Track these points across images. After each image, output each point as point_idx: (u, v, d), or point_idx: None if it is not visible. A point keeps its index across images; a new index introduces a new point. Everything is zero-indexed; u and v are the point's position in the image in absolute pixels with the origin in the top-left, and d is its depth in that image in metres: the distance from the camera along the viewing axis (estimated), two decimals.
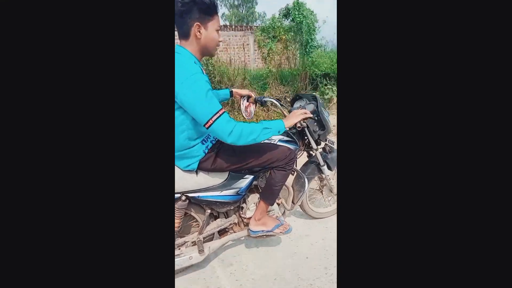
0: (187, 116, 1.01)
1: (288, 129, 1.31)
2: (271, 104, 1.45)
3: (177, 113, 1.00)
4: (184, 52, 1.01)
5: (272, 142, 1.27)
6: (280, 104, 1.42)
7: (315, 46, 4.57)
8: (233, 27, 5.94)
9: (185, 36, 1.00)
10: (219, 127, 0.96)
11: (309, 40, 4.42)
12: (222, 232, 1.42)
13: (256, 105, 1.47)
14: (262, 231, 1.32)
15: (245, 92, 1.44)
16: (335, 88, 4.29)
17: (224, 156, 1.14)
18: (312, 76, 4.66)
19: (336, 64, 4.74)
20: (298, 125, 1.14)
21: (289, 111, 1.39)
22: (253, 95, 1.43)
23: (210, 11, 0.97)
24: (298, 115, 1.11)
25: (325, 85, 4.50)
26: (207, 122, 0.95)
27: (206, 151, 1.13)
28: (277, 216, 1.46)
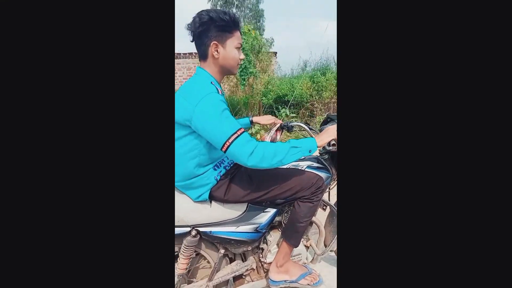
0: (200, 141, 0.89)
1: (319, 153, 1.13)
2: (300, 129, 1.30)
3: (188, 138, 0.89)
4: (202, 73, 0.94)
5: (299, 168, 1.08)
6: (309, 128, 1.26)
7: (251, 73, 4.50)
8: (181, 55, 6.18)
9: (203, 57, 0.94)
10: (238, 148, 0.82)
11: (247, 66, 4.37)
12: (238, 278, 1.18)
13: (282, 132, 1.33)
14: (285, 281, 1.06)
15: (267, 120, 1.32)
16: (288, 111, 4.16)
17: (240, 184, 0.98)
18: (264, 103, 4.71)
19: (296, 90, 4.79)
20: (333, 142, 0.95)
21: None
22: (279, 121, 1.30)
23: (229, 28, 0.90)
24: (333, 132, 0.93)
25: (277, 110, 4.42)
26: (224, 145, 0.82)
27: (218, 177, 0.98)
28: (304, 263, 1.20)
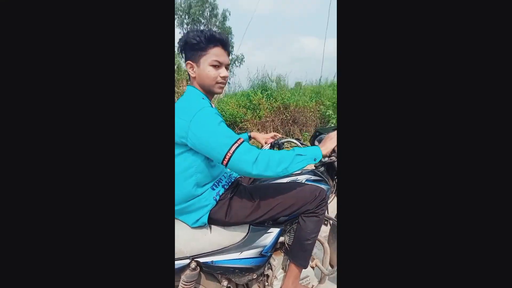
0: (197, 157, 0.85)
1: (314, 166, 1.11)
2: (290, 145, 1.29)
3: (183, 156, 0.84)
4: (192, 90, 0.92)
5: (298, 182, 1.05)
6: (301, 143, 1.26)
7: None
8: None
9: (188, 77, 0.94)
10: (240, 158, 0.78)
11: None
12: None
13: (273, 149, 1.32)
14: None
15: (265, 137, 1.31)
16: None
17: (241, 203, 0.91)
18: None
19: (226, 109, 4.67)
20: (332, 153, 0.93)
21: None
22: (277, 136, 1.30)
23: (202, 46, 0.88)
24: (334, 139, 0.91)
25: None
26: (224, 157, 0.78)
27: (218, 198, 0.91)
28: (313, 286, 1.12)
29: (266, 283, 1.05)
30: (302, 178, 1.09)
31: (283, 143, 1.32)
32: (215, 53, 0.89)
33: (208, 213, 0.89)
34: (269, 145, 1.30)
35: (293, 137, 1.34)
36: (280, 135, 1.35)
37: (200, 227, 0.92)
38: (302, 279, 1.09)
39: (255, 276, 1.00)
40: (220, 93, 1.00)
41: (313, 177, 1.12)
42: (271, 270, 1.05)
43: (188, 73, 0.93)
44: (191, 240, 0.89)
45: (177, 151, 0.84)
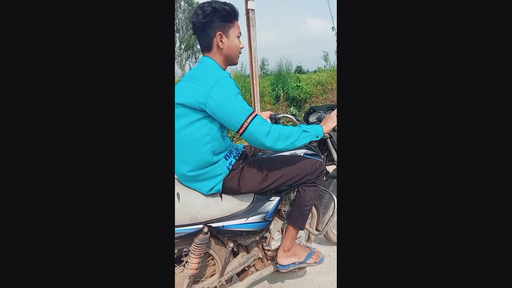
0: (214, 125, 0.88)
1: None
2: (287, 120, 1.37)
3: (202, 122, 0.87)
4: (210, 61, 0.92)
5: (297, 155, 1.15)
6: (296, 119, 1.35)
7: None
8: None
9: (208, 48, 0.93)
10: (255, 129, 0.84)
11: None
12: (241, 273, 1.19)
13: None
14: (294, 263, 1.13)
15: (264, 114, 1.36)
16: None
17: (251, 173, 0.99)
18: None
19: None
20: (332, 131, 1.05)
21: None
22: (271, 113, 1.36)
23: (230, 18, 0.92)
24: (334, 119, 1.03)
25: None
26: (241, 126, 0.84)
27: (230, 167, 0.97)
28: (301, 242, 1.29)
29: (265, 244, 1.17)
30: (300, 152, 1.20)
31: (279, 118, 1.40)
32: (238, 26, 0.92)
33: (222, 182, 0.95)
34: (268, 119, 1.36)
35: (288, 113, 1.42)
36: (272, 113, 1.42)
37: (213, 196, 0.98)
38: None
39: (258, 238, 1.12)
40: (237, 64, 1.02)
41: (309, 152, 1.23)
42: (269, 233, 1.18)
43: (206, 43, 0.91)
44: (205, 208, 0.95)
45: (195, 116, 0.87)
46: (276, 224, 1.20)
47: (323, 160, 1.32)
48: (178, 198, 0.93)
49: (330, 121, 1.02)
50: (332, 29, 4.63)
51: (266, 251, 1.18)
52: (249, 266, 1.19)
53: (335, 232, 1.51)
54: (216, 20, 0.88)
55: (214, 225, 0.97)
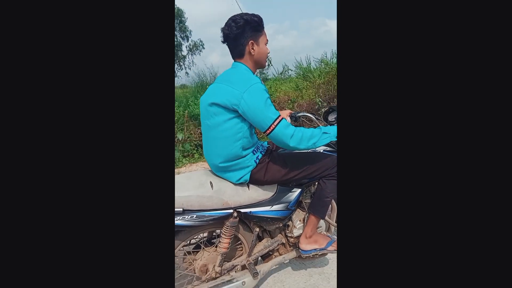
0: (245, 124, 1.02)
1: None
2: (307, 119, 1.46)
3: (234, 121, 1.01)
4: (242, 66, 1.06)
5: (318, 151, 1.25)
6: (316, 118, 1.44)
7: None
8: None
9: (240, 55, 1.07)
10: (281, 131, 0.97)
11: None
12: (266, 256, 1.32)
13: (290, 122, 1.48)
14: (315, 249, 1.23)
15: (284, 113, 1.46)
16: None
17: (276, 166, 1.11)
18: None
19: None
20: None
21: (328, 124, 1.40)
22: (291, 112, 1.46)
23: (259, 27, 1.05)
24: None
25: None
26: (269, 128, 0.96)
27: (257, 161, 1.11)
28: (322, 231, 1.38)
29: (287, 231, 1.29)
30: (320, 149, 1.29)
31: (299, 117, 1.50)
32: (265, 34, 1.07)
33: (250, 173, 1.08)
34: (288, 118, 1.46)
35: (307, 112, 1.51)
36: (292, 112, 1.51)
37: (241, 185, 1.12)
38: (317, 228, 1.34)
39: (281, 224, 1.24)
40: (265, 67, 1.16)
41: (328, 148, 1.32)
42: (291, 221, 1.29)
43: (239, 51, 1.05)
44: (235, 195, 1.09)
45: (228, 115, 1.01)
46: (298, 215, 1.31)
47: None
48: (212, 186, 1.08)
49: None
50: None
51: (288, 238, 1.30)
52: (273, 251, 1.32)
53: None
54: (248, 30, 1.02)
55: (242, 210, 1.11)
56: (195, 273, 1.16)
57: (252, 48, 1.04)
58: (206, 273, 1.16)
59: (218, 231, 1.28)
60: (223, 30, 1.05)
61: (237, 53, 1.06)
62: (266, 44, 1.09)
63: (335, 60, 4.91)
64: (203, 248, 1.18)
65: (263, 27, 1.07)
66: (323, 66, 4.98)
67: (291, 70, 5.56)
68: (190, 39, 16.75)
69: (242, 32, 1.02)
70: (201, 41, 17.22)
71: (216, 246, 1.18)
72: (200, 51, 17.34)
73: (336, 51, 4.95)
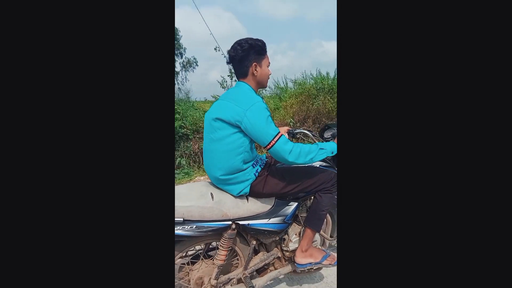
0: (246, 139, 1.06)
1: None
2: (304, 135, 1.52)
3: (236, 136, 1.05)
4: (245, 85, 1.13)
5: (314, 166, 1.30)
6: (312, 135, 1.51)
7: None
8: None
9: (243, 75, 1.14)
10: (280, 147, 1.02)
11: None
12: (262, 270, 1.32)
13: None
14: (310, 263, 1.24)
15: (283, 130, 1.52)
16: None
17: (275, 180, 1.15)
18: None
19: None
20: None
21: (324, 140, 1.47)
22: (289, 128, 1.52)
23: (263, 51, 1.13)
24: None
25: None
26: (269, 143, 1.01)
27: (257, 174, 1.14)
28: (317, 246, 1.40)
29: (283, 245, 1.31)
30: (317, 164, 1.35)
31: (297, 133, 1.56)
32: (267, 57, 1.14)
33: (249, 186, 1.12)
34: (287, 134, 1.52)
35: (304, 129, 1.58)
36: (291, 128, 1.58)
37: (241, 197, 1.14)
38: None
39: (277, 238, 1.26)
40: (266, 87, 1.22)
41: (324, 164, 1.38)
42: (287, 235, 1.31)
43: (243, 72, 1.13)
44: (234, 206, 1.12)
45: (231, 130, 1.06)
46: (294, 229, 1.34)
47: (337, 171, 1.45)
48: (212, 197, 1.10)
49: None
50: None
51: (284, 252, 1.31)
52: (268, 265, 1.32)
53: None
54: (252, 53, 1.10)
55: (241, 222, 1.13)
56: (189, 284, 1.15)
57: (255, 70, 1.11)
58: (201, 286, 1.15)
59: (214, 243, 1.29)
60: (229, 52, 1.13)
61: (241, 73, 1.13)
62: (268, 66, 1.17)
63: (311, 81, 5.04)
64: (202, 259, 1.18)
65: (266, 51, 1.15)
66: (296, 87, 5.08)
67: (270, 88, 5.68)
68: (184, 56, 17.19)
69: (246, 55, 1.09)
70: (195, 58, 17.65)
71: (213, 259, 1.18)
72: (194, 68, 17.69)
73: (326, 72, 5.17)
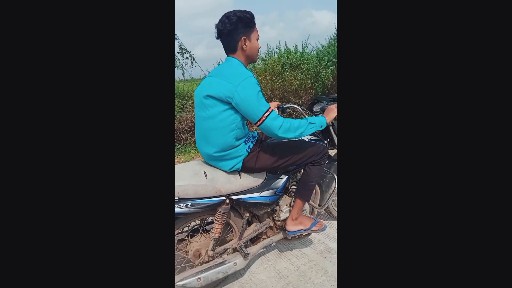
0: (238, 116, 1.06)
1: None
2: (293, 109, 1.53)
3: (228, 113, 1.04)
4: (235, 60, 1.09)
5: (304, 140, 1.34)
6: (302, 109, 1.52)
7: None
8: None
9: (233, 50, 1.09)
10: (270, 122, 1.03)
11: None
12: (255, 239, 1.40)
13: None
14: (300, 230, 1.33)
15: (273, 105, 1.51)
16: None
17: (266, 155, 1.18)
18: None
19: None
20: (333, 120, 1.23)
21: (314, 115, 1.49)
22: (279, 104, 1.52)
23: (251, 24, 1.08)
24: (335, 110, 1.21)
25: None
26: (259, 119, 1.01)
27: (249, 150, 1.16)
28: (306, 214, 1.49)
29: (275, 215, 1.38)
30: (306, 138, 1.38)
31: (286, 108, 1.56)
32: (257, 30, 1.09)
33: (242, 162, 1.14)
34: (277, 109, 1.52)
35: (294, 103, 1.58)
36: (280, 103, 1.58)
37: (233, 173, 1.17)
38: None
39: (269, 209, 1.32)
40: (256, 61, 1.18)
41: (313, 137, 1.41)
42: (279, 206, 1.38)
43: (232, 47, 1.08)
44: (227, 183, 1.14)
45: (222, 107, 1.04)
46: (285, 200, 1.40)
47: (326, 144, 1.50)
48: (205, 175, 1.12)
49: (332, 112, 1.20)
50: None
51: (276, 221, 1.39)
52: (261, 234, 1.40)
53: (335, 208, 1.72)
54: (241, 26, 1.05)
55: (234, 197, 1.17)
56: (187, 255, 1.21)
57: (245, 44, 1.07)
58: (199, 258, 1.22)
59: (209, 218, 1.34)
60: (217, 26, 1.07)
61: (230, 48, 1.09)
62: (257, 39, 1.12)
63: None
64: (201, 233, 1.23)
65: (255, 24, 1.10)
66: (259, 63, 4.73)
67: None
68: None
69: (235, 28, 1.04)
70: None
71: (206, 232, 1.23)
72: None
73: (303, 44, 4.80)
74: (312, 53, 4.82)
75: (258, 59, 4.87)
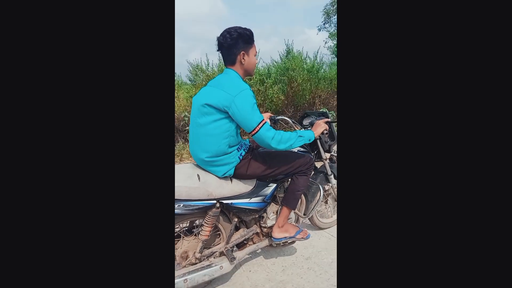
0: (232, 124, 1.13)
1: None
2: (285, 122, 1.63)
3: (223, 121, 1.11)
4: (233, 72, 1.18)
5: (294, 151, 1.42)
6: (292, 122, 1.61)
7: None
8: None
9: (231, 63, 1.18)
10: (263, 133, 1.11)
11: None
12: (241, 245, 1.44)
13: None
14: (285, 237, 1.39)
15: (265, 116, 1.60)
16: None
17: (257, 163, 1.25)
18: None
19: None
20: (326, 132, 1.34)
21: (303, 128, 1.58)
22: (271, 115, 1.61)
23: (250, 40, 1.18)
24: (322, 125, 1.32)
25: None
26: (254, 129, 1.09)
27: (241, 157, 1.23)
28: (291, 222, 1.55)
29: (262, 222, 1.43)
30: (295, 149, 1.47)
31: (278, 120, 1.66)
32: (255, 47, 1.19)
33: (234, 168, 1.20)
34: (269, 120, 1.61)
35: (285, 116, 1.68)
36: (272, 114, 1.68)
37: (225, 178, 1.23)
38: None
39: (257, 216, 1.38)
40: (253, 75, 1.28)
41: (302, 149, 1.51)
42: (266, 213, 1.44)
43: (231, 60, 1.17)
44: (219, 187, 1.20)
45: (219, 116, 1.12)
46: (272, 207, 1.47)
47: (313, 156, 1.59)
48: (199, 178, 1.17)
49: (319, 127, 1.31)
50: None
51: (262, 228, 1.44)
52: (247, 240, 1.45)
53: (318, 217, 1.79)
54: (241, 42, 1.14)
55: (224, 201, 1.22)
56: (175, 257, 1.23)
57: (243, 58, 1.16)
58: (186, 260, 1.25)
59: (197, 221, 1.37)
60: (218, 39, 1.15)
61: (229, 60, 1.17)
62: (255, 55, 1.22)
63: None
64: (183, 237, 1.26)
65: (254, 40, 1.20)
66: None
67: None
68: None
69: (235, 43, 1.14)
70: None
71: (196, 235, 1.27)
72: None
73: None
74: (263, 69, 4.86)
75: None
